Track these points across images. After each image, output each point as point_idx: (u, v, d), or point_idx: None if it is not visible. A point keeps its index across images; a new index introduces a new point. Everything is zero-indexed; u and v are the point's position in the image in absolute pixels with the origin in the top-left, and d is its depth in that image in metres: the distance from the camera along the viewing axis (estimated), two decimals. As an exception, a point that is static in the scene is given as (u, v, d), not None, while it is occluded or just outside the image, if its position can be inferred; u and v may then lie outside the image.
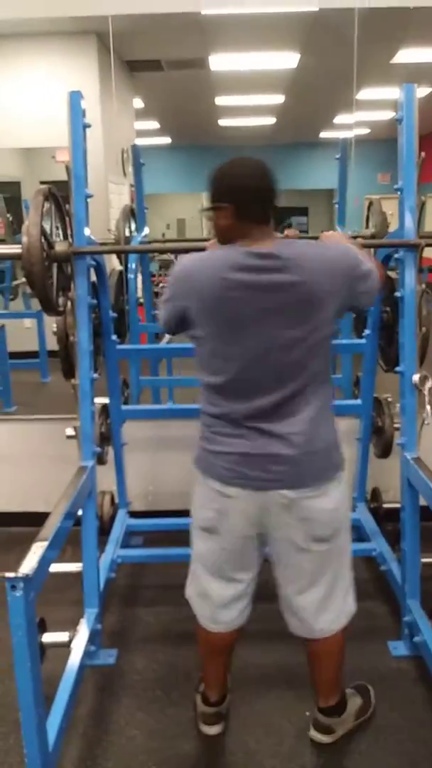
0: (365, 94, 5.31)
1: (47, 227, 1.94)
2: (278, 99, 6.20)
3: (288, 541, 1.61)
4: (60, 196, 2.06)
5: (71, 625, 2.04)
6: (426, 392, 2.07)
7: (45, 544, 1.54)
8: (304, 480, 1.56)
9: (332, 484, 1.61)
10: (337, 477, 1.63)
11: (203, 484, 1.65)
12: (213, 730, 1.88)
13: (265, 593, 2.56)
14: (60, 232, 2.09)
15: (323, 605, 1.67)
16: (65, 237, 2.10)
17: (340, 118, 6.26)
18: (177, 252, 3.25)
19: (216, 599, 1.71)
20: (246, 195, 1.51)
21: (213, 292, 1.50)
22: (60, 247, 1.99)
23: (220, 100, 6.20)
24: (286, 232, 2.80)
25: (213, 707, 1.88)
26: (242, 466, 1.56)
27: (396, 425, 2.41)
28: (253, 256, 1.48)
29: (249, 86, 5.82)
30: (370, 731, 1.87)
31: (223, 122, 6.83)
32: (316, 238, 1.87)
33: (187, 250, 3.08)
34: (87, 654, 2.03)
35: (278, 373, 1.52)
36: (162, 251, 3.55)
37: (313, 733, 1.85)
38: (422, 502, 2.04)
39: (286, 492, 1.55)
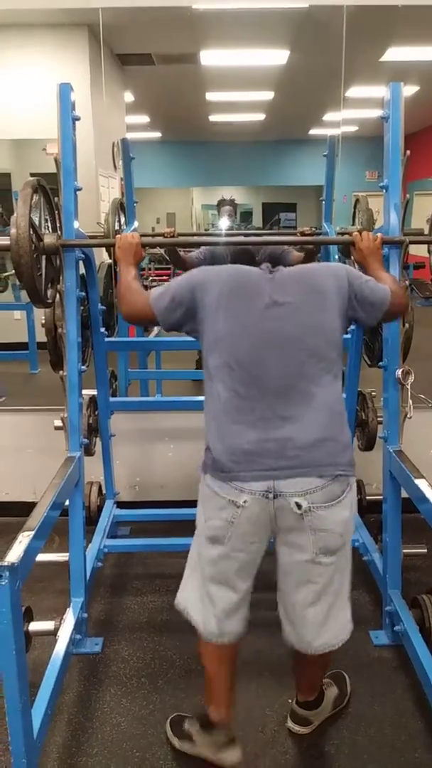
0: (354, 91, 5.35)
1: (36, 219, 1.95)
2: (268, 95, 6.21)
3: (298, 551, 1.56)
4: (49, 189, 2.07)
5: (58, 614, 2.07)
6: (408, 386, 2.11)
7: (31, 533, 1.56)
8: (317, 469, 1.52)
9: (347, 489, 1.56)
10: (351, 481, 1.59)
11: (211, 491, 1.58)
12: (236, 753, 1.71)
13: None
14: (49, 224, 2.10)
15: (325, 622, 1.62)
16: (54, 229, 2.11)
17: (329, 116, 6.28)
18: (164, 246, 3.27)
19: (222, 609, 1.63)
20: None
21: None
22: (49, 239, 2.00)
23: (211, 96, 6.20)
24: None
25: (224, 727, 1.74)
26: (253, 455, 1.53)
27: (379, 419, 2.44)
28: None
29: (239, 82, 5.84)
30: (351, 719, 1.91)
31: (213, 118, 6.84)
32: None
33: (174, 245, 3.12)
34: (73, 642, 2.05)
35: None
36: (151, 245, 3.56)
37: (291, 725, 1.88)
38: (404, 494, 2.08)
39: (298, 498, 1.51)
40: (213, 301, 1.61)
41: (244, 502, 1.52)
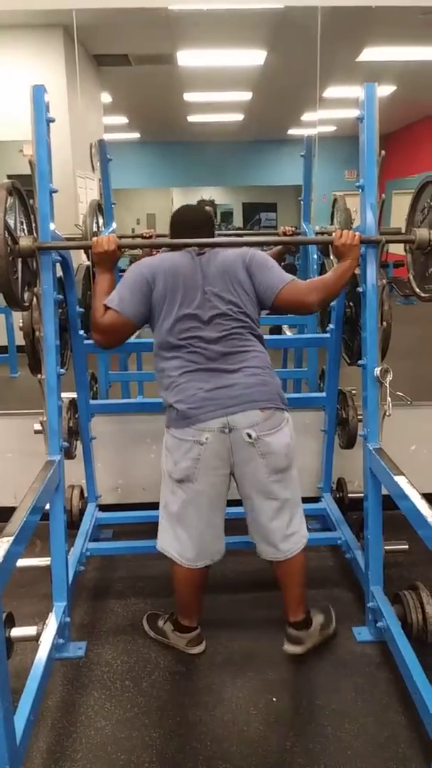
0: (331, 92, 5.38)
1: (12, 222, 1.94)
2: (246, 96, 6.23)
3: (254, 477, 1.96)
4: (26, 191, 2.06)
5: (40, 619, 2.06)
6: (387, 384, 2.13)
7: (11, 538, 1.55)
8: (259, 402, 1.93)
9: (284, 421, 1.98)
10: (287, 415, 2.01)
11: (177, 439, 1.96)
12: (201, 647, 2.20)
13: (228, 586, 2.62)
14: (25, 227, 2.08)
15: (287, 530, 2.04)
16: (30, 232, 2.10)
17: (307, 116, 6.31)
18: (143, 247, 3.26)
19: (198, 539, 2.02)
20: None
21: None
22: (24, 242, 1.99)
23: (189, 96, 6.20)
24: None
25: (195, 630, 2.19)
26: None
27: (360, 417, 2.46)
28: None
29: (217, 83, 5.84)
30: (335, 715, 1.92)
31: (191, 118, 6.84)
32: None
33: (153, 246, 3.11)
34: (56, 647, 2.04)
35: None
36: (131, 247, 3.55)
37: (287, 646, 2.14)
38: (385, 491, 2.10)
39: (248, 429, 1.91)
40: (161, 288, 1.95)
41: (206, 438, 1.90)
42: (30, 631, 1.94)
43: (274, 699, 1.99)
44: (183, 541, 2.04)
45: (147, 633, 2.28)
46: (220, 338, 1.96)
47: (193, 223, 2.08)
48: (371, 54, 5.03)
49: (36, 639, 1.95)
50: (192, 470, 1.94)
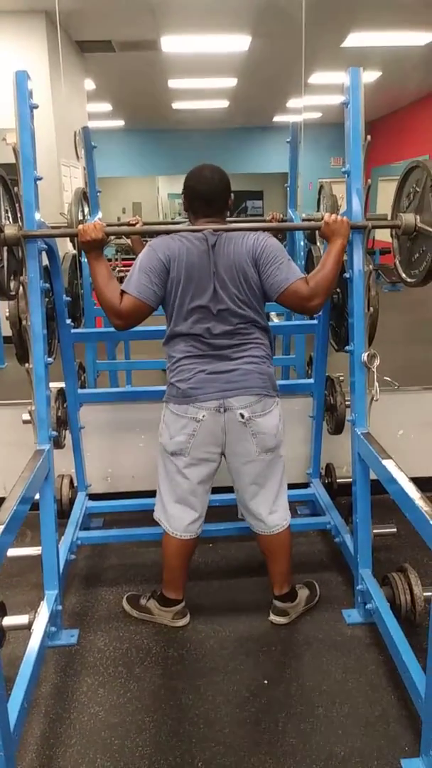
0: (317, 78, 5.36)
1: (-4, 210, 1.92)
2: (231, 82, 6.20)
3: (245, 455, 2.08)
4: (9, 179, 2.04)
5: (32, 608, 2.06)
6: (374, 370, 2.14)
7: (1, 528, 1.55)
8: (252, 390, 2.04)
9: (275, 404, 2.10)
10: (277, 400, 2.12)
11: (175, 415, 2.06)
12: (186, 620, 2.29)
13: (219, 572, 2.64)
14: (9, 215, 2.07)
15: (274, 505, 2.17)
16: (15, 220, 2.08)
17: (292, 102, 6.30)
18: (130, 234, 3.25)
19: (188, 513, 2.16)
20: None
21: None
22: (9, 230, 1.97)
23: (173, 83, 6.16)
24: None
25: (180, 603, 2.29)
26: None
27: (347, 402, 2.48)
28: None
29: (201, 69, 5.81)
30: (326, 696, 1.95)
31: (176, 105, 6.80)
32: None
33: (139, 233, 3.09)
34: (48, 635, 2.05)
35: None
36: (117, 234, 3.53)
37: (272, 617, 2.28)
38: (373, 476, 2.12)
39: (242, 410, 2.02)
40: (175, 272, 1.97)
41: (203, 416, 2.02)
42: (22, 619, 1.94)
43: (266, 681, 2.01)
44: (171, 512, 2.18)
45: (129, 613, 2.35)
46: (226, 332, 2.01)
47: (207, 196, 2.03)
48: (356, 39, 5.02)
49: (28, 627, 1.95)
50: (186, 444, 2.06)
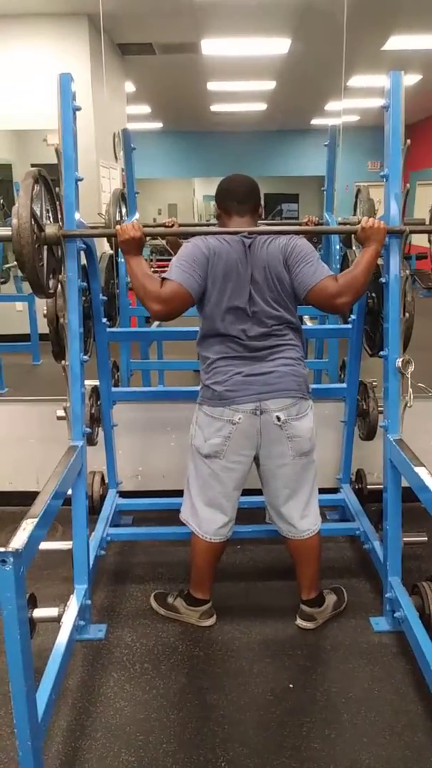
0: (356, 81, 5.33)
1: (38, 210, 1.96)
2: (269, 85, 6.19)
3: (280, 458, 2.08)
4: (50, 179, 2.07)
5: (61, 601, 2.09)
6: (409, 376, 2.12)
7: (35, 520, 1.57)
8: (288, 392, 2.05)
9: (309, 407, 2.11)
10: (311, 403, 2.13)
11: (210, 417, 2.07)
12: (212, 620, 2.30)
13: (247, 573, 2.64)
14: (50, 215, 2.10)
15: (305, 509, 2.18)
16: (56, 220, 2.12)
17: (331, 105, 6.26)
18: (166, 236, 3.28)
19: (220, 516, 2.16)
20: None
21: None
22: (50, 229, 2.01)
23: (212, 86, 6.18)
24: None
25: (207, 603, 2.30)
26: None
27: (380, 408, 2.46)
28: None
29: (241, 72, 5.82)
30: (351, 704, 1.93)
31: (214, 108, 6.82)
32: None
33: (176, 235, 3.12)
34: (77, 628, 2.08)
35: None
36: (153, 235, 3.56)
37: (299, 622, 2.28)
38: (405, 483, 2.09)
39: (278, 413, 2.03)
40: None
41: (239, 419, 2.03)
42: (52, 612, 1.96)
43: (291, 685, 2.01)
44: (201, 515, 2.18)
45: (156, 611, 2.37)
46: (261, 334, 2.03)
47: (239, 195, 2.06)
48: (397, 42, 4.97)
49: (57, 620, 1.97)
50: (222, 447, 2.07)
